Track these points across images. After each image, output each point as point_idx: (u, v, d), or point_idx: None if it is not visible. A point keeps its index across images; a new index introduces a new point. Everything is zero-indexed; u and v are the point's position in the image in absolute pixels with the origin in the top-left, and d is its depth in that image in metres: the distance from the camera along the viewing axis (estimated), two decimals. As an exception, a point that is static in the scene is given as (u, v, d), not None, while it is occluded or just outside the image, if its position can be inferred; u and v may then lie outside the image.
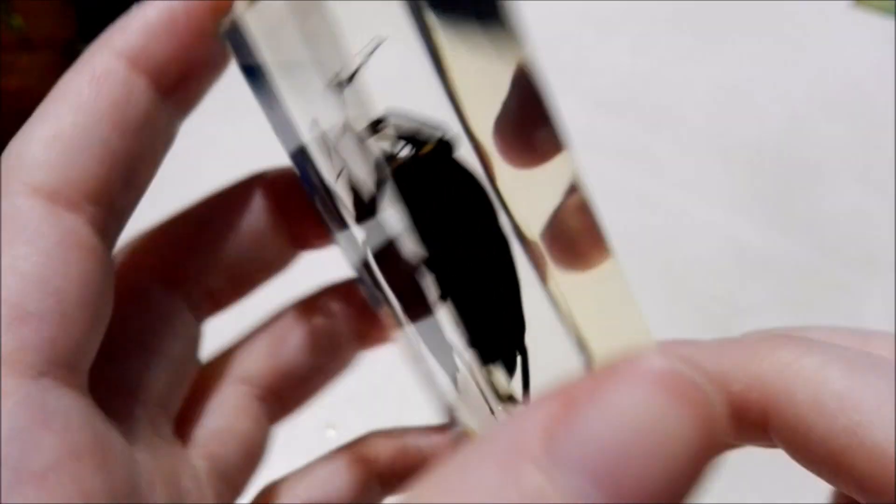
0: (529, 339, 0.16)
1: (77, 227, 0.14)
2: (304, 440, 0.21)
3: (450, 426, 0.17)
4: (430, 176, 0.15)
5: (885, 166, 0.51)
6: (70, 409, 0.13)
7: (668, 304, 0.43)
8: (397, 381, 0.27)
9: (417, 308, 0.15)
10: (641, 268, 0.44)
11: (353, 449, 0.20)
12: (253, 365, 0.19)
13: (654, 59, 0.56)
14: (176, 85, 0.16)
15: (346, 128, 0.14)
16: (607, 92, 0.53)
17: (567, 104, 0.15)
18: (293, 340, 0.19)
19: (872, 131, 0.53)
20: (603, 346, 0.15)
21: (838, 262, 0.46)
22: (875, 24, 0.58)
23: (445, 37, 0.13)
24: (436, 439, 0.20)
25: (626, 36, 0.58)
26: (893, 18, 0.58)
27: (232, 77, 0.17)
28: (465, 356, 0.16)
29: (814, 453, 0.13)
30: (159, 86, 0.15)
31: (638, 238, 0.45)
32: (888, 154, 0.51)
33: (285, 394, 0.19)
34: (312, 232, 0.19)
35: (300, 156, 0.16)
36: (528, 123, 0.14)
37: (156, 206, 0.18)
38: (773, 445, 0.14)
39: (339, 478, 0.19)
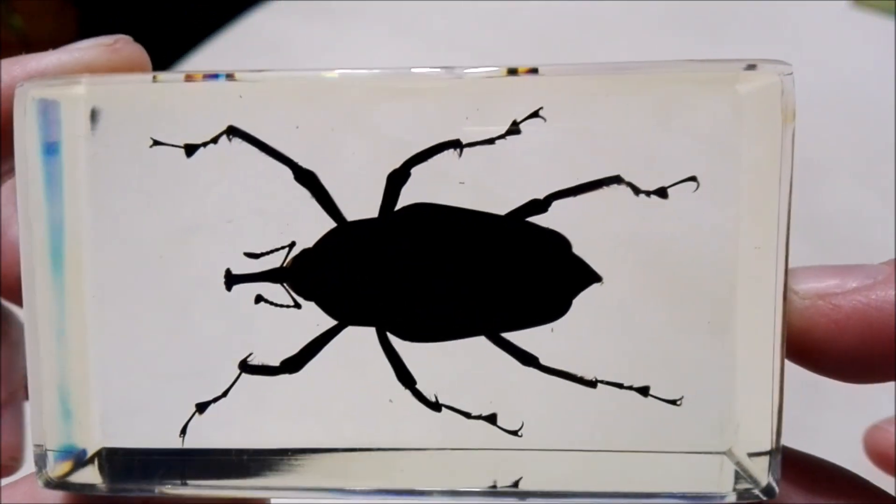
0: None
1: None
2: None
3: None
4: None
5: (885, 166, 0.50)
6: None
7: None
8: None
9: None
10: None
11: None
12: None
13: (653, 58, 0.54)
14: None
15: None
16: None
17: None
18: None
19: (872, 131, 0.51)
20: None
21: (838, 262, 0.45)
22: (875, 24, 0.57)
23: None
24: None
25: (626, 36, 0.57)
26: (893, 18, 0.57)
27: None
28: None
29: None
30: None
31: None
32: (888, 154, 0.50)
33: None
34: None
35: None
36: None
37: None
38: None
39: None
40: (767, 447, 0.16)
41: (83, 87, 0.17)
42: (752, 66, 0.16)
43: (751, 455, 0.16)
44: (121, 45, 0.19)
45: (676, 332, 0.16)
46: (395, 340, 0.17)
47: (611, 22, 0.57)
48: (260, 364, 0.17)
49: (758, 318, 0.16)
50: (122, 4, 0.79)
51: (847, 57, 0.55)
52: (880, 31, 0.56)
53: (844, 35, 0.57)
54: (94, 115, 0.17)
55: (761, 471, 0.16)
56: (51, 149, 0.17)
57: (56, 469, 0.17)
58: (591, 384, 0.16)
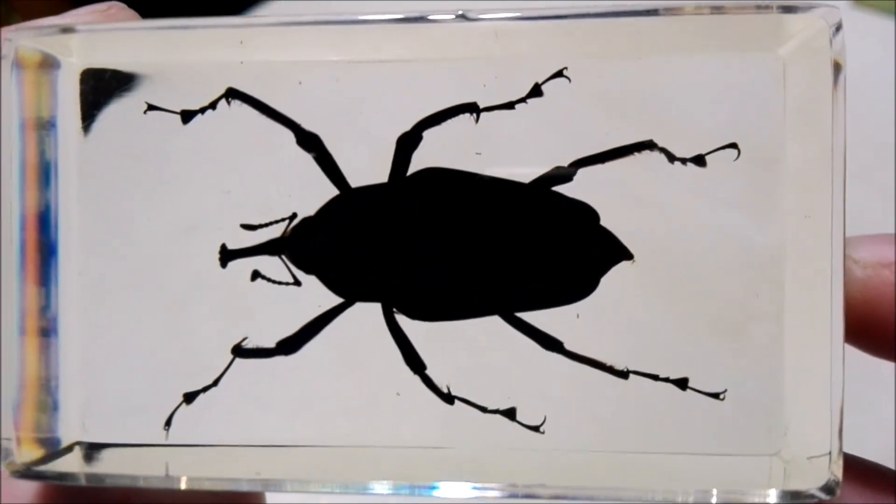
0: None
1: None
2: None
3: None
4: None
5: (885, 166, 0.48)
6: None
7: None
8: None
9: None
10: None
11: None
12: None
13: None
14: None
15: None
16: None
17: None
18: None
19: (872, 131, 0.50)
20: None
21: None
22: (875, 24, 0.56)
23: None
24: None
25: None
26: (893, 18, 0.55)
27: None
28: None
29: None
30: None
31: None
32: (888, 153, 0.49)
33: None
34: None
35: None
36: None
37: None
38: None
39: None
40: (823, 449, 0.14)
41: (77, 39, 0.15)
42: (790, 9, 0.14)
43: (804, 459, 0.14)
44: (115, 11, 0.17)
45: (716, 315, 0.14)
46: (402, 320, 0.15)
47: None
48: (255, 347, 0.15)
49: (810, 297, 0.14)
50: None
51: (847, 56, 0.54)
52: (880, 31, 0.55)
53: (844, 34, 0.55)
54: (85, 78, 0.15)
55: (815, 478, 0.14)
56: (43, 123, 0.15)
57: (24, 456, 0.15)
58: (623, 374, 0.14)
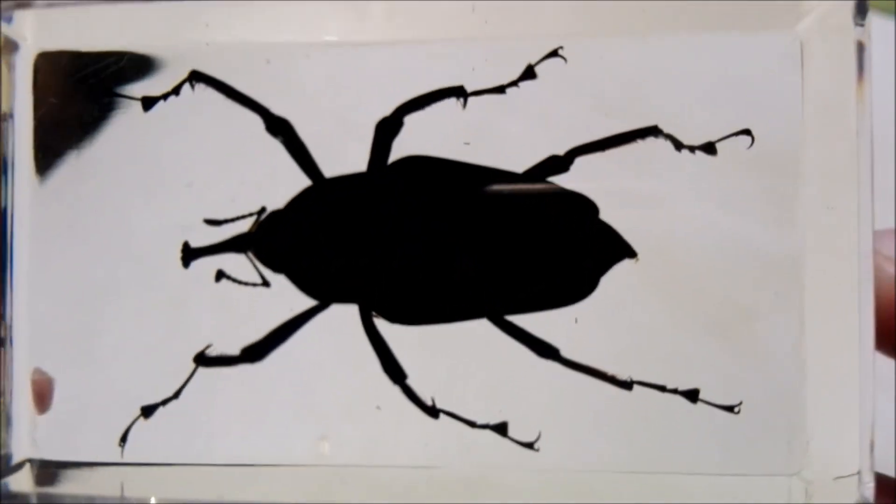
0: None
1: None
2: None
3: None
4: None
5: (885, 166, 0.47)
6: None
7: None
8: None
9: None
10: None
11: None
12: None
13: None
14: None
15: None
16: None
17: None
18: None
19: (873, 131, 0.49)
20: None
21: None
22: (875, 24, 0.54)
23: None
24: None
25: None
26: (893, 18, 0.54)
27: None
28: None
29: None
30: None
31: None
32: (888, 154, 0.47)
33: None
34: None
35: None
36: None
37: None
38: None
39: None
40: (850, 468, 0.12)
41: (32, 17, 0.14)
42: None
43: (829, 479, 0.12)
44: None
45: (729, 319, 0.13)
46: (381, 324, 0.13)
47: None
48: (218, 355, 0.13)
49: (835, 298, 0.12)
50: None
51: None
52: (880, 31, 0.54)
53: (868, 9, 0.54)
54: (39, 61, 0.14)
55: (842, 501, 0.12)
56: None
57: None
58: (626, 385, 0.13)
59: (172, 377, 0.13)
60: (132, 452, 0.13)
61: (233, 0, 0.13)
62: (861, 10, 0.12)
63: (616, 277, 0.13)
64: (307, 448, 0.13)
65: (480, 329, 0.13)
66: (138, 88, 0.14)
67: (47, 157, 0.14)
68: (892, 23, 0.53)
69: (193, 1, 0.13)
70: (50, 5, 0.14)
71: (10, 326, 0.14)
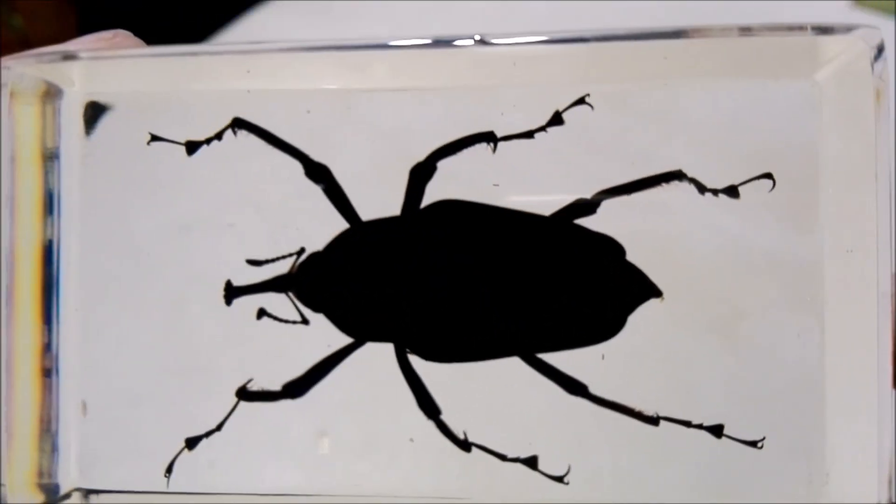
0: None
1: None
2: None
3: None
4: None
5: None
6: None
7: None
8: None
9: None
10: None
11: None
12: None
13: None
14: None
15: None
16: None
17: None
18: None
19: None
20: None
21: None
22: (875, 24, 0.54)
23: None
24: None
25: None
26: (893, 18, 0.54)
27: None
28: None
29: None
30: None
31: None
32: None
33: None
34: None
35: None
36: None
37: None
38: None
39: None
40: (869, 498, 0.12)
41: (79, 67, 0.14)
42: (826, 30, 0.13)
43: None
44: (120, 40, 0.16)
45: (751, 356, 0.13)
46: (416, 361, 0.14)
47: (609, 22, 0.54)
48: (260, 390, 0.14)
49: (855, 336, 0.13)
50: (122, 5, 0.76)
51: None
52: (880, 30, 0.54)
53: (887, 58, 0.54)
54: (89, 109, 0.14)
55: None
56: (47, 153, 0.14)
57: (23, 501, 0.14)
58: (653, 421, 0.13)
59: (214, 409, 0.14)
60: (177, 482, 0.14)
61: (274, 52, 0.14)
62: (878, 58, 0.13)
63: (642, 315, 0.13)
64: (342, 479, 0.14)
65: (511, 366, 0.13)
66: (182, 133, 0.14)
67: (94, 194, 0.14)
68: (892, 23, 0.53)
69: (236, 55, 0.14)
70: (96, 58, 0.14)
71: (57, 357, 0.14)
